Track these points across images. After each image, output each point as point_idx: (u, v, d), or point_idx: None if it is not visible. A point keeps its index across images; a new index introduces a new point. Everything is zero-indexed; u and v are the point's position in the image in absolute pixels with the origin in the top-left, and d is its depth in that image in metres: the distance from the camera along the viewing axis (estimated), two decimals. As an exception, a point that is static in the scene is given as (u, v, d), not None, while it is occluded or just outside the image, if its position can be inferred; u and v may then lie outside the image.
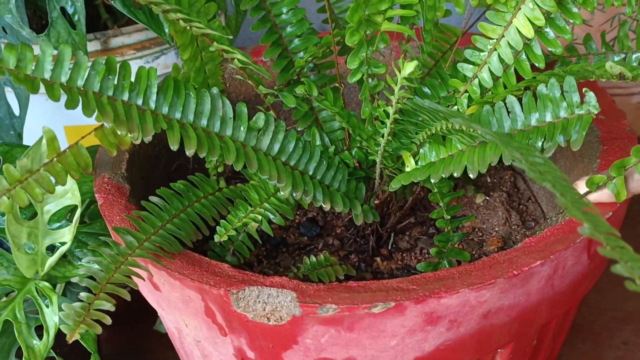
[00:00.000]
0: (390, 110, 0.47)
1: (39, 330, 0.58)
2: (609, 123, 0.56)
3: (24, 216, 0.60)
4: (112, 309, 0.42)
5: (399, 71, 0.43)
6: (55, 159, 0.40)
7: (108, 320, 0.41)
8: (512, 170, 0.67)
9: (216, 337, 0.48)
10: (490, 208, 0.62)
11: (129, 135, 0.42)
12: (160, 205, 0.51)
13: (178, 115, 0.45)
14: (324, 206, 0.51)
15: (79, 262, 0.60)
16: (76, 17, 0.64)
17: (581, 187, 0.48)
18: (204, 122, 0.46)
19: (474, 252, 0.57)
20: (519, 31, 0.50)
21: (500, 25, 0.50)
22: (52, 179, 0.40)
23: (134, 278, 0.45)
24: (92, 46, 0.72)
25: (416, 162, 0.50)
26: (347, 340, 0.44)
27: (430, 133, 0.47)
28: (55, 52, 0.40)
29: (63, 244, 0.58)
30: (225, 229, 0.52)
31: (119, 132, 0.41)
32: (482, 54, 0.52)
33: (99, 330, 0.40)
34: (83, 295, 0.41)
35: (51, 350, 0.58)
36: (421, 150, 0.50)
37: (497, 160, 0.44)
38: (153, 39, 0.75)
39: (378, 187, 0.55)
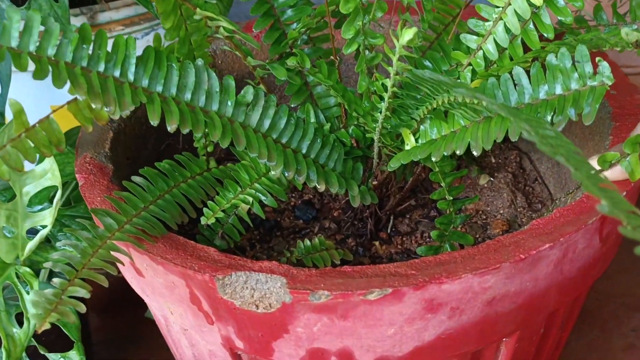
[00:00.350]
0: (389, 83, 0.44)
1: (20, 318, 0.56)
2: (621, 98, 0.53)
3: (3, 198, 0.57)
4: (88, 295, 0.39)
5: (398, 40, 0.40)
6: (23, 135, 0.37)
7: (83, 308, 0.38)
8: (518, 149, 0.64)
9: (202, 326, 0.46)
10: (495, 189, 0.60)
11: (105, 109, 0.39)
12: (144, 185, 0.48)
13: (159, 88, 0.42)
14: (318, 187, 0.49)
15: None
16: (59, -11, 0.61)
17: (593, 165, 0.45)
18: (187, 95, 0.43)
19: (477, 236, 0.56)
20: (526, -2, 0.47)
21: (506, -8, 0.47)
22: (21, 157, 0.37)
23: (116, 264, 0.42)
24: (78, 21, 0.69)
25: (416, 140, 0.48)
26: (341, 329, 0.42)
27: (431, 108, 0.45)
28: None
29: (44, 227, 0.55)
30: (213, 211, 0.49)
31: (93, 106, 0.38)
32: (487, 23, 0.49)
33: (72, 319, 0.37)
34: (56, 281, 0.39)
35: (32, 339, 0.56)
36: (422, 127, 0.48)
37: (503, 136, 0.42)
38: (142, 14, 0.73)
39: (376, 167, 0.53)
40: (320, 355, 0.44)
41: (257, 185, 0.50)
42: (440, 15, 0.54)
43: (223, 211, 0.50)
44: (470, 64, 0.50)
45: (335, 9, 0.51)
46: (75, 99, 0.39)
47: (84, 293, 0.39)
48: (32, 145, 0.37)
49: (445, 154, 0.44)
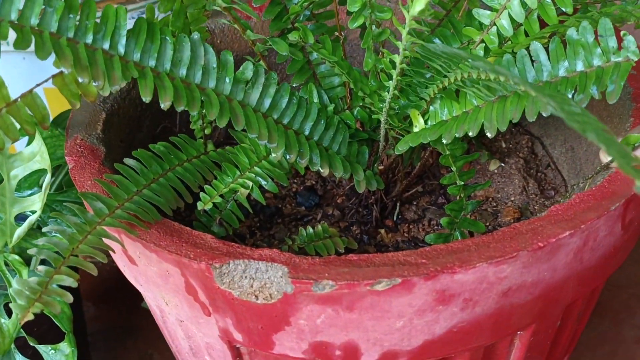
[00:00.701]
0: (397, 59, 0.41)
1: (9, 308, 0.54)
2: (643, 78, 0.50)
3: (-10, 182, 0.54)
4: (75, 284, 0.36)
5: (408, 12, 0.37)
6: (4, 110, 0.34)
7: (69, 298, 0.36)
8: (530, 134, 0.62)
9: (199, 317, 0.44)
10: (506, 175, 0.58)
11: (93, 83, 0.36)
12: (137, 168, 0.45)
13: (152, 62, 0.40)
14: (321, 171, 0.47)
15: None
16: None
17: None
18: (182, 71, 0.41)
19: (487, 224, 0.54)
20: (544, -31, 0.44)
21: (523, -37, 0.45)
22: (2, 134, 0.34)
23: (107, 251, 0.40)
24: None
25: (426, 122, 0.46)
26: (346, 321, 0.40)
27: (442, 87, 0.43)
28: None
29: (34, 212, 0.53)
30: (210, 195, 0.46)
31: (80, 80, 0.36)
32: (501, -3, 0.46)
33: (57, 309, 0.35)
34: (41, 268, 0.36)
35: (22, 330, 0.53)
36: (431, 108, 0.45)
37: (520, 117, 0.39)
38: (138, -8, 0.70)
39: (382, 151, 0.50)
40: (324, 349, 0.42)
41: (257, 169, 0.48)
42: (450, -11, 0.51)
43: (221, 196, 0.48)
44: (482, 41, 0.47)
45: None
46: (61, 72, 0.36)
47: (70, 282, 0.36)
48: (14, 121, 0.34)
49: (457, 135, 0.42)
